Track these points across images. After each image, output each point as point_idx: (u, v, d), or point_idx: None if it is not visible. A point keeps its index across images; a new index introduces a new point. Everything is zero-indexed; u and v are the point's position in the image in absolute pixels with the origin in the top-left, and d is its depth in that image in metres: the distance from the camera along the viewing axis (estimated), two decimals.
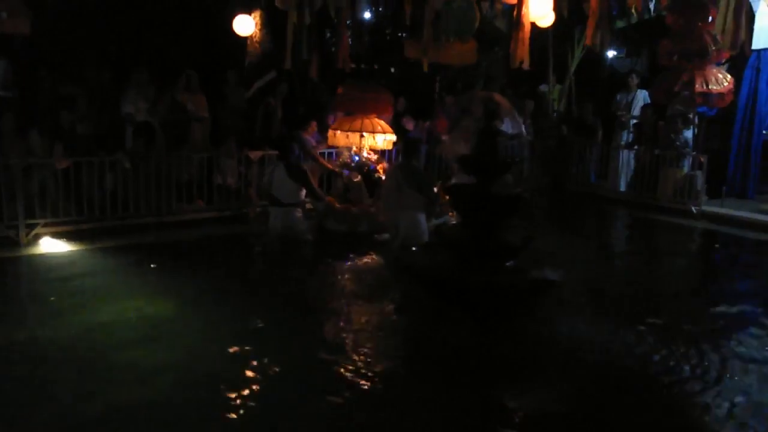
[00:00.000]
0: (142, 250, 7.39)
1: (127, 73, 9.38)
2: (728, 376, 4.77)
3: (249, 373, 4.56)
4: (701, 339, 5.38)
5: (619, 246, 9.27)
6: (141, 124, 8.85)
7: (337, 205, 8.37)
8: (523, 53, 8.44)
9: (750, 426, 4.13)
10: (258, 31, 11.08)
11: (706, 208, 9.71)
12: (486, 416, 4.20)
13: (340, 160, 9.12)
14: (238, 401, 4.19)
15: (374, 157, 8.97)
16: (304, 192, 7.80)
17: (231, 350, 4.91)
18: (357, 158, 8.86)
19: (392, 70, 13.10)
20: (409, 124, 10.64)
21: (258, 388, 4.39)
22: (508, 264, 6.00)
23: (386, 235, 7.69)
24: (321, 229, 8.26)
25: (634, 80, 11.52)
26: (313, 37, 9.02)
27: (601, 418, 4.25)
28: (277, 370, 4.64)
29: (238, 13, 10.48)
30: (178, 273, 6.69)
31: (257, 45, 11.20)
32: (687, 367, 4.88)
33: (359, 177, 8.73)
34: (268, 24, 11.09)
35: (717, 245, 9.11)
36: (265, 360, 4.73)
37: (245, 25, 10.58)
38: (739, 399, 4.43)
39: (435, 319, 5.64)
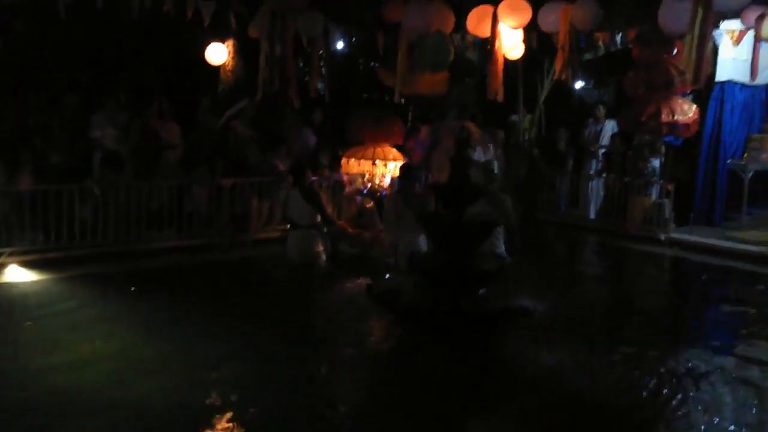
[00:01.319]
0: (110, 279, 7.28)
1: (98, 99, 9.31)
2: (698, 401, 4.81)
3: (217, 402, 4.50)
4: (670, 366, 5.43)
5: (589, 274, 9.34)
6: (110, 150, 8.76)
7: (350, 230, 8.58)
8: (497, 86, 8.59)
9: None
10: (231, 60, 11.10)
11: (674, 235, 9.85)
12: None
13: (354, 186, 9.46)
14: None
15: (386, 183, 9.30)
16: (319, 216, 7.98)
17: (200, 381, 4.82)
18: (370, 185, 9.24)
19: (365, 98, 13.21)
20: None
21: (225, 416, 4.32)
22: (481, 291, 6.02)
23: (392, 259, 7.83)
24: (335, 252, 8.36)
25: (602, 110, 11.73)
26: (291, 68, 9.05)
27: None
28: (246, 400, 4.57)
29: (211, 42, 10.50)
30: (147, 302, 6.58)
31: (230, 73, 11.22)
32: (656, 394, 4.90)
33: (372, 203, 9.01)
34: (240, 53, 11.12)
35: (686, 272, 9.24)
36: (233, 389, 4.67)
37: (218, 53, 10.61)
38: (711, 422, 4.47)
39: (406, 347, 5.62)
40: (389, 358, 5.52)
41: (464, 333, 5.61)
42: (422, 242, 7.48)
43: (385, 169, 9.34)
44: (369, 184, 9.29)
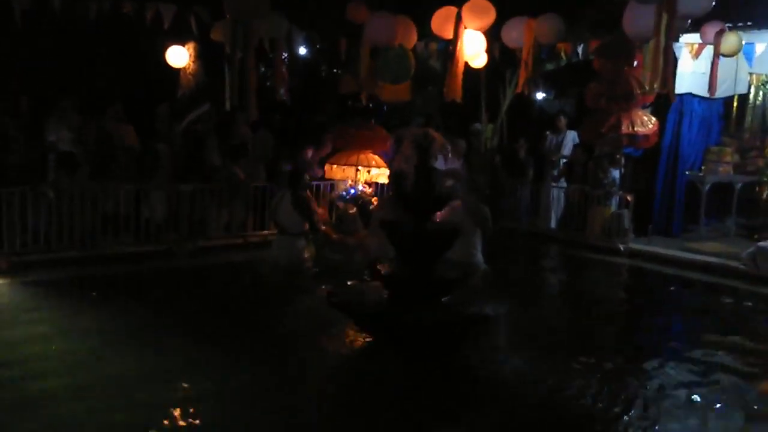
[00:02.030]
0: (63, 286, 7.06)
1: (52, 101, 9.07)
2: (657, 407, 4.82)
3: (176, 412, 4.37)
4: (628, 373, 5.46)
5: (549, 283, 9.38)
6: (64, 153, 8.52)
7: (333, 236, 8.53)
8: (455, 87, 8.60)
9: None
10: (191, 63, 10.93)
11: (633, 245, 9.95)
12: None
13: (336, 192, 9.61)
14: None
15: (369, 190, 9.42)
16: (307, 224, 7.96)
17: (154, 390, 4.70)
18: (353, 191, 9.32)
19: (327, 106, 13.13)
20: None
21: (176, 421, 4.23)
22: (443, 300, 5.97)
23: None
24: (318, 258, 8.26)
25: (563, 121, 11.84)
26: (252, 78, 8.92)
27: None
28: (202, 413, 4.44)
29: (171, 44, 10.32)
30: (101, 309, 6.40)
31: (190, 77, 11.04)
32: (616, 401, 4.91)
33: (355, 209, 9.01)
34: (201, 56, 10.95)
35: (644, 283, 9.33)
36: (189, 398, 4.58)
37: (178, 56, 10.43)
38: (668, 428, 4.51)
39: (366, 355, 5.54)
40: (347, 367, 5.44)
41: (425, 341, 5.55)
42: None
43: (368, 175, 9.47)
44: (352, 190, 9.42)
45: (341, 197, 9.42)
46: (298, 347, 5.70)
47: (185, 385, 4.78)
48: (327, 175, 9.78)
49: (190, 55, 10.81)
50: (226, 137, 10.14)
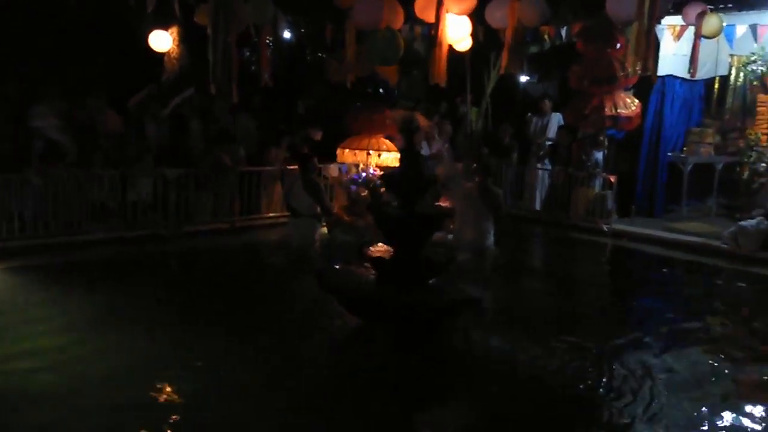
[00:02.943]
0: (50, 271, 7.06)
1: (39, 87, 8.99)
2: (641, 386, 4.92)
3: (161, 397, 4.45)
4: (613, 353, 5.55)
5: (534, 264, 9.50)
6: (52, 140, 8.48)
7: (345, 218, 8.86)
8: (440, 71, 8.62)
9: (669, 427, 4.33)
10: (175, 47, 10.85)
11: (616, 226, 10.08)
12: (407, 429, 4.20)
13: (349, 175, 9.83)
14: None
15: (380, 173, 9.53)
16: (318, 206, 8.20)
17: (142, 375, 4.74)
18: (364, 174, 9.59)
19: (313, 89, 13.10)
20: None
21: (168, 414, 4.25)
22: (430, 282, 6.04)
23: None
24: (330, 240, 8.56)
25: (547, 104, 11.90)
26: (235, 58, 8.89)
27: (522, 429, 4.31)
28: (188, 392, 4.52)
29: (155, 29, 10.24)
30: (88, 295, 6.41)
31: (174, 61, 10.96)
32: (601, 381, 5.03)
33: (366, 192, 9.35)
34: (185, 40, 10.87)
35: (627, 262, 9.47)
36: (174, 384, 4.61)
37: (162, 40, 10.35)
38: (652, 406, 4.61)
39: (354, 337, 5.61)
40: (336, 348, 5.49)
41: (413, 323, 5.62)
42: None
43: (379, 159, 9.69)
44: (364, 174, 9.65)
45: (353, 180, 9.68)
46: (287, 330, 5.74)
47: (172, 376, 4.78)
48: (339, 159, 10.00)
49: (174, 40, 10.72)
50: (208, 122, 10.12)
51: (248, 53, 12.54)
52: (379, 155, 9.74)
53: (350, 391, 4.69)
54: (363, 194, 9.38)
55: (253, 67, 11.17)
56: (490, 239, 7.73)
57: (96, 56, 10.40)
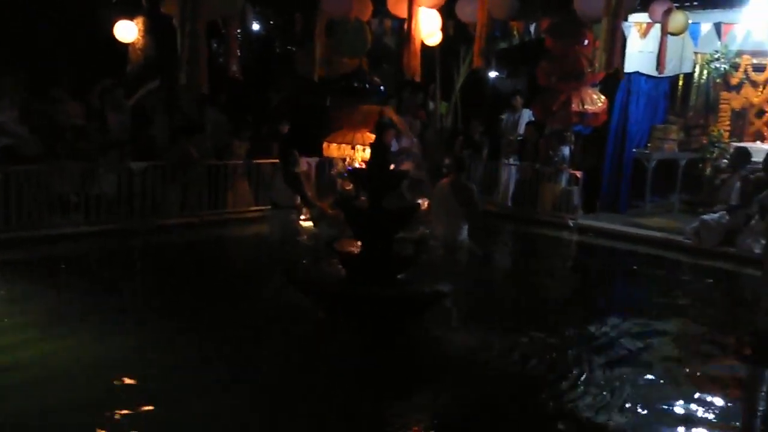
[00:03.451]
0: (11, 267, 6.90)
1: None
2: (608, 377, 5.01)
3: (123, 395, 4.41)
4: (577, 346, 5.64)
5: (502, 258, 9.56)
6: (12, 133, 8.29)
7: (329, 211, 8.71)
8: (414, 65, 8.65)
9: (632, 417, 4.41)
10: (141, 38, 10.69)
11: (582, 221, 10.19)
12: (374, 423, 4.20)
13: (335, 170, 9.92)
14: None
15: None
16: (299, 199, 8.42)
17: (105, 372, 4.66)
18: (350, 169, 9.46)
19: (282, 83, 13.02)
20: None
21: (130, 411, 4.20)
22: (399, 276, 6.05)
23: None
24: (315, 233, 8.56)
25: (519, 100, 11.97)
26: (201, 48, 8.77)
27: (488, 422, 4.36)
28: (151, 389, 4.49)
29: (120, 19, 10.08)
30: (50, 291, 6.31)
31: (140, 52, 10.80)
32: (566, 373, 5.09)
33: (351, 186, 9.18)
34: (151, 31, 10.72)
35: (592, 257, 9.60)
36: (137, 381, 4.57)
37: (127, 31, 10.20)
38: (613, 397, 4.69)
39: (321, 332, 5.59)
40: (303, 343, 5.45)
41: (380, 318, 5.62)
42: None
43: (364, 153, 9.62)
44: (350, 169, 9.60)
45: (340, 175, 9.77)
46: (254, 326, 5.70)
47: (135, 373, 4.70)
48: (325, 153, 10.05)
49: (140, 30, 10.57)
50: (174, 114, 10.00)
51: (216, 45, 12.41)
52: (364, 149, 9.65)
53: (317, 387, 4.67)
54: (348, 188, 9.34)
55: (221, 60, 11.04)
56: (464, 234, 7.87)
57: (59, 46, 10.21)
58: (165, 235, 8.67)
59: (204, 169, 9.33)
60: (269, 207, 8.92)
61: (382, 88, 10.96)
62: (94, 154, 8.79)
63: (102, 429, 3.96)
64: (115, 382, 4.52)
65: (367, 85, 10.62)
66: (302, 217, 8.85)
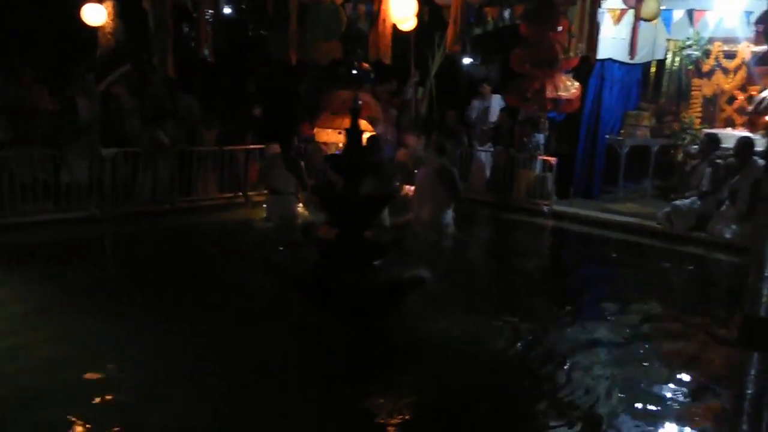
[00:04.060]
0: None
1: None
2: (585, 360, 5.07)
3: (95, 386, 4.34)
4: (551, 330, 5.70)
5: (478, 245, 9.58)
6: None
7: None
8: (384, 47, 8.59)
9: (608, 398, 4.45)
10: (110, 21, 10.45)
11: (556, 207, 10.25)
12: (353, 412, 4.19)
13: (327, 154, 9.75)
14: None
15: None
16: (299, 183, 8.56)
17: (76, 364, 4.59)
18: (329, 155, 9.63)
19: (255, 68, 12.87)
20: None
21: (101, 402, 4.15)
22: (376, 263, 6.02)
23: None
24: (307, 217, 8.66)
25: (486, 88, 11.98)
26: (169, 32, 8.62)
27: (468, 406, 4.36)
28: (122, 379, 4.43)
29: (88, 1, 9.84)
30: (18, 280, 6.19)
31: (110, 36, 10.56)
32: (541, 357, 5.14)
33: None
34: (121, 14, 10.49)
35: (567, 243, 9.68)
36: (110, 372, 4.51)
37: (96, 14, 9.96)
38: (595, 378, 4.76)
39: (298, 319, 5.54)
40: (280, 331, 5.39)
41: (356, 305, 5.60)
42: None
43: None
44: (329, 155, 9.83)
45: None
46: (228, 314, 5.64)
47: (107, 364, 4.63)
48: (317, 138, 10.18)
49: (109, 13, 10.32)
50: (144, 99, 9.83)
51: (188, 29, 12.22)
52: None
53: (292, 374, 4.64)
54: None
55: (192, 44, 10.87)
56: (448, 217, 8.12)
57: (27, 31, 9.97)
58: (136, 222, 8.54)
59: (176, 155, 9.20)
60: (268, 193, 8.91)
61: (371, 75, 11.00)
62: (64, 140, 8.62)
63: (74, 420, 3.89)
64: (86, 374, 4.46)
65: (354, 72, 10.67)
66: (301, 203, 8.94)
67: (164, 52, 8.11)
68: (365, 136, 9.37)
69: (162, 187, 9.16)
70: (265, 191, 9.02)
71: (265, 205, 9.00)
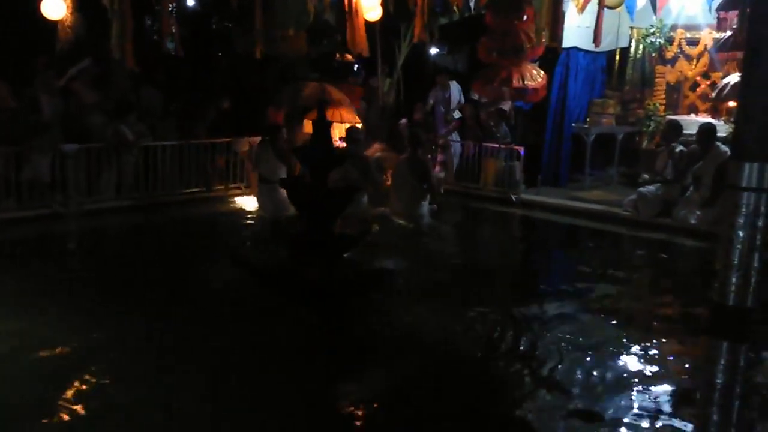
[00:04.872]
0: None
1: None
2: (546, 350, 5.06)
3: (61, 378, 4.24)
4: (523, 317, 5.71)
5: (447, 234, 9.59)
6: None
7: None
8: (359, 40, 8.56)
9: (571, 390, 4.46)
10: (69, 15, 10.25)
11: (524, 196, 10.31)
12: (318, 404, 4.18)
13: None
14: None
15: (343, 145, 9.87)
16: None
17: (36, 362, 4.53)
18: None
19: (221, 60, 12.73)
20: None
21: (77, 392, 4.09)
22: (345, 255, 6.02)
23: None
24: None
25: (444, 77, 11.98)
26: (129, 24, 8.47)
27: (437, 395, 4.38)
28: (94, 371, 4.36)
29: None
30: None
31: (69, 30, 10.37)
32: (509, 346, 5.15)
33: None
34: (80, 7, 10.29)
35: (535, 231, 9.75)
36: (85, 365, 4.42)
37: (55, 7, 9.75)
38: (563, 367, 4.76)
39: (266, 313, 5.51)
40: (244, 323, 5.35)
41: (326, 297, 5.59)
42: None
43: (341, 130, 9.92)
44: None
45: None
46: (197, 308, 5.59)
47: (70, 361, 4.57)
48: (305, 130, 10.05)
49: (68, 7, 10.12)
50: (107, 93, 9.67)
51: (150, 22, 12.04)
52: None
53: (255, 366, 4.61)
54: None
55: (155, 37, 10.72)
56: (422, 208, 8.28)
57: None
58: (100, 218, 8.41)
59: (140, 150, 9.07)
60: (258, 182, 8.92)
61: (356, 67, 11.01)
62: (26, 137, 8.43)
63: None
64: (47, 371, 4.39)
65: (337, 65, 10.70)
66: None
67: (124, 45, 7.95)
68: (345, 127, 9.49)
69: (126, 182, 9.03)
70: (232, 185, 9.11)
71: (256, 197, 9.12)
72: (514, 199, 10.27)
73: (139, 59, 8.87)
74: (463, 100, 11.89)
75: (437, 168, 9.88)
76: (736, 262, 2.54)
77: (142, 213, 8.82)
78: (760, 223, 2.62)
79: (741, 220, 2.65)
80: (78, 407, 3.95)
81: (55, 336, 4.87)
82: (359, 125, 9.88)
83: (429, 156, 9.61)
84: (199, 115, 9.89)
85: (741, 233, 2.62)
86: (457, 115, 11.80)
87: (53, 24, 10.14)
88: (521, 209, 10.12)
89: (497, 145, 10.56)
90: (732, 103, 9.48)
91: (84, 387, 4.18)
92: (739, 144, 2.70)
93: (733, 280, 2.37)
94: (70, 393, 4.08)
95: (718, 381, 2.61)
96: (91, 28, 10.01)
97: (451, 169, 11.13)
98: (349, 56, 11.21)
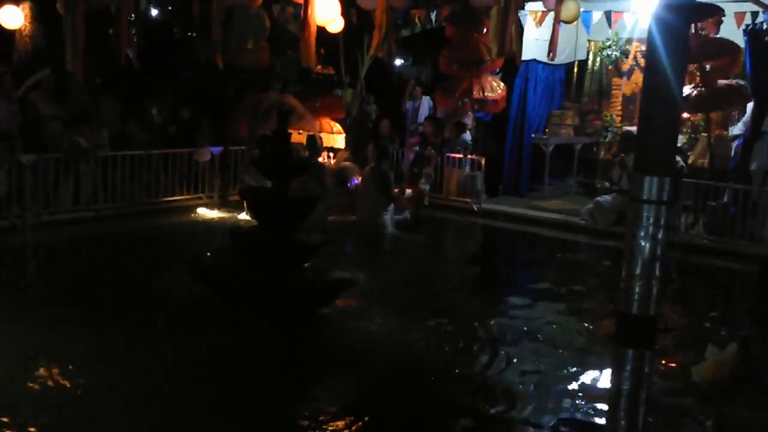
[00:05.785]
0: None
1: None
2: (506, 355, 5.18)
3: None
4: (483, 327, 5.80)
5: (408, 244, 9.64)
6: None
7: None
8: (309, 53, 8.60)
9: (530, 398, 4.56)
10: (27, 25, 10.13)
11: (485, 205, 10.44)
12: (278, 418, 4.19)
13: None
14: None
15: (331, 154, 10.22)
16: None
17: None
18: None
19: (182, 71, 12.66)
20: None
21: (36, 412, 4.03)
22: (305, 265, 6.03)
23: None
24: None
25: (418, 90, 12.14)
26: (82, 34, 8.39)
27: (392, 410, 4.41)
28: (52, 389, 4.32)
29: (4, 4, 9.52)
30: None
31: (27, 40, 10.24)
32: (474, 355, 5.24)
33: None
34: (39, 17, 10.17)
35: (495, 240, 9.89)
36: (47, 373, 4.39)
37: (13, 17, 9.65)
38: (521, 373, 4.88)
39: (225, 324, 5.50)
40: (202, 335, 5.32)
41: (287, 308, 5.59)
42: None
43: (330, 140, 10.34)
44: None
45: None
46: (156, 320, 5.56)
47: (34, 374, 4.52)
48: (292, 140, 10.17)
49: (26, 16, 10.01)
50: (64, 103, 9.56)
51: (111, 32, 11.93)
52: (331, 137, 10.34)
53: (213, 380, 4.59)
54: None
55: (115, 47, 10.62)
56: (383, 217, 8.56)
57: None
58: (58, 230, 8.28)
59: (99, 161, 8.97)
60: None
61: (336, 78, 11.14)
62: None
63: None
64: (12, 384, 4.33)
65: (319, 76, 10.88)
66: None
67: (76, 55, 7.86)
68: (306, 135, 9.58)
69: (85, 193, 8.92)
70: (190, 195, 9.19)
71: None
72: (476, 208, 10.39)
73: (100, 70, 8.80)
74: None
75: (422, 180, 9.97)
76: (638, 272, 2.66)
77: (101, 224, 8.72)
78: (660, 235, 2.74)
79: (642, 232, 2.77)
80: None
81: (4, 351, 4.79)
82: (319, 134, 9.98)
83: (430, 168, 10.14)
84: (143, 121, 9.81)
85: (643, 243, 2.74)
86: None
87: (11, 33, 10.02)
88: (483, 218, 10.24)
89: (459, 156, 10.68)
90: (685, 114, 9.73)
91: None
92: (642, 157, 2.84)
93: (637, 289, 2.48)
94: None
95: (625, 387, 2.73)
96: (49, 38, 9.89)
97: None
98: (331, 69, 11.28)
